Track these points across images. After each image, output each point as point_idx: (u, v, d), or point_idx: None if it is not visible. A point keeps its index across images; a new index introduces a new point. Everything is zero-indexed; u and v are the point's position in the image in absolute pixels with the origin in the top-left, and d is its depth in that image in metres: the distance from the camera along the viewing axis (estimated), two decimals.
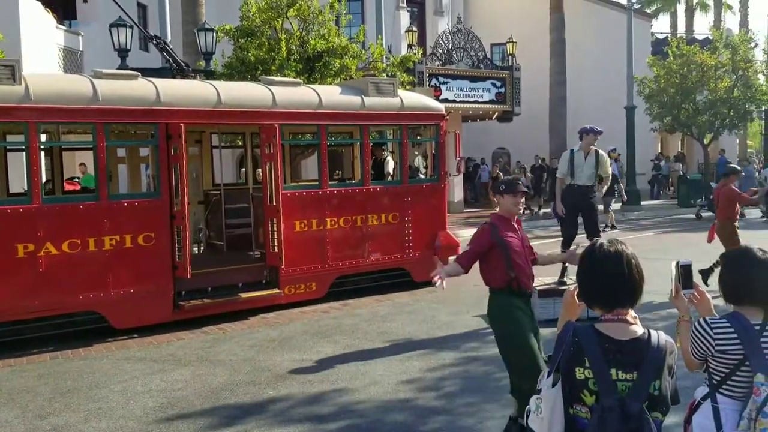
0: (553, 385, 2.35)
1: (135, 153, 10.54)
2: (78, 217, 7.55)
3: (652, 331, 2.39)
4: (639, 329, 2.39)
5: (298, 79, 10.58)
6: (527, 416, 2.44)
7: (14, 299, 7.13)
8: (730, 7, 46.18)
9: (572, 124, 21.08)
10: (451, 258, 10.34)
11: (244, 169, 13.09)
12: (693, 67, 24.15)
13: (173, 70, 10.55)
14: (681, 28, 43.46)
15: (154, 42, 10.90)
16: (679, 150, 31.88)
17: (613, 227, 16.24)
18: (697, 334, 2.70)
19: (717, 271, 2.92)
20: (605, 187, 9.01)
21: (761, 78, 26.33)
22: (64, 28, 19.14)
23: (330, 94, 9.58)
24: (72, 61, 18.75)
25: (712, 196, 18.67)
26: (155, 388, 5.94)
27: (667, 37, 34.10)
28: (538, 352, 4.39)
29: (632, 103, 23.36)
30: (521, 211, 4.68)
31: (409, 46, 18.95)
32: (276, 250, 8.70)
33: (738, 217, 9.40)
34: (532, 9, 26.43)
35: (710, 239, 9.31)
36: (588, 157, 8.70)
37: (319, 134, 9.33)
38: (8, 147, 9.17)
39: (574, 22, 24.76)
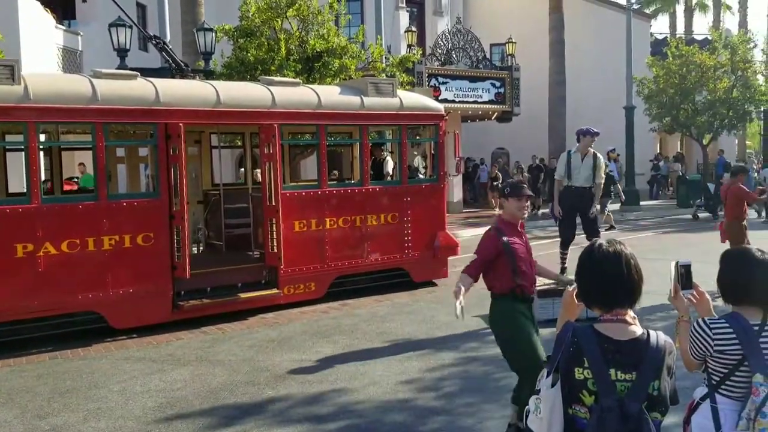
0: (553, 386, 2.35)
1: (134, 153, 10.54)
2: (77, 217, 7.54)
3: (651, 332, 2.39)
4: (638, 329, 2.39)
5: (297, 79, 10.57)
6: (526, 416, 2.44)
7: (13, 299, 7.13)
8: (729, 8, 46.26)
9: (571, 124, 21.08)
10: (449, 256, 10.31)
11: (243, 169, 13.09)
12: (692, 68, 24.17)
13: (172, 70, 10.55)
14: (680, 29, 43.49)
15: (154, 42, 10.90)
16: (678, 150, 31.89)
17: (611, 227, 16.24)
18: (696, 334, 2.71)
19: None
20: (597, 197, 8.89)
21: (760, 78, 26.36)
22: (64, 27, 19.13)
23: (329, 94, 9.58)
24: (71, 61, 18.74)
25: (720, 195, 18.75)
26: (154, 388, 5.94)
27: (666, 37, 34.13)
28: (543, 356, 4.37)
29: (631, 103, 23.37)
30: (526, 216, 4.64)
31: (409, 46, 18.95)
32: (275, 250, 8.70)
33: (746, 216, 9.37)
34: (531, 9, 26.43)
35: (724, 239, 9.13)
36: (585, 159, 8.70)
37: (318, 134, 9.33)
38: (7, 147, 9.16)
39: (574, 23, 24.76)
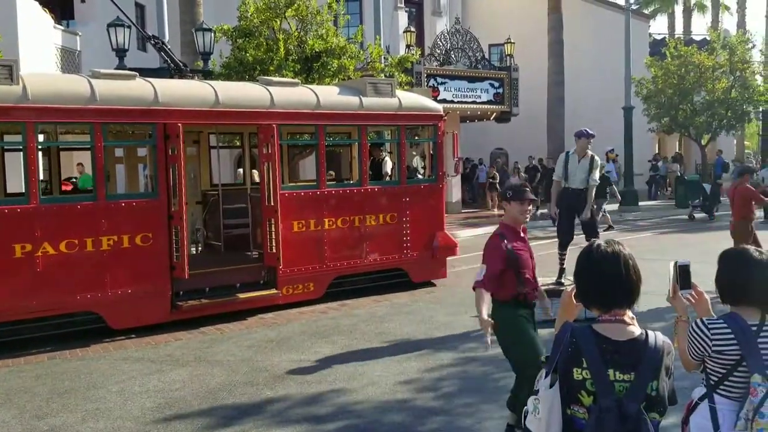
0: (551, 386, 2.35)
1: (133, 153, 10.53)
2: (76, 217, 7.54)
3: (650, 332, 2.39)
4: (636, 330, 2.39)
5: (296, 80, 10.57)
6: (525, 417, 2.44)
7: (12, 299, 7.12)
8: (727, 8, 46.35)
9: (570, 124, 21.11)
10: (448, 256, 10.29)
11: (241, 170, 13.08)
12: (691, 68, 24.21)
13: (171, 70, 10.54)
14: (679, 29, 43.50)
15: (152, 42, 10.89)
16: (677, 151, 31.91)
17: (610, 228, 16.26)
18: (694, 334, 2.71)
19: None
20: (590, 199, 8.82)
21: (759, 79, 26.41)
22: (62, 28, 19.11)
23: (328, 95, 9.58)
24: (70, 61, 18.73)
25: (716, 195, 18.80)
26: (153, 389, 5.94)
27: (664, 37, 34.18)
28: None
29: (630, 103, 23.38)
30: (528, 219, 4.60)
31: (408, 46, 18.96)
32: (274, 251, 8.69)
33: (754, 216, 9.34)
34: (530, 10, 26.45)
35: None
36: (582, 160, 8.71)
37: (317, 134, 9.33)
38: (6, 147, 9.15)
39: (573, 23, 24.78)
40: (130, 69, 9.78)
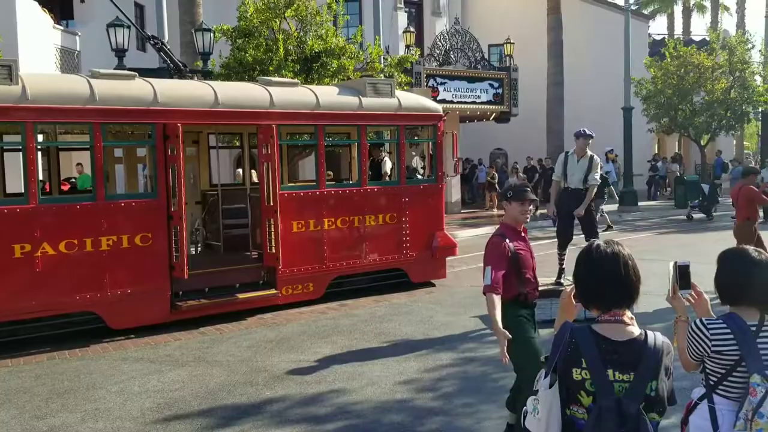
0: (550, 386, 2.35)
1: (132, 153, 10.53)
2: (75, 217, 7.54)
3: (649, 332, 2.39)
4: (636, 330, 2.39)
5: (295, 80, 10.57)
6: (524, 417, 2.44)
7: (11, 300, 7.12)
8: (727, 9, 46.33)
9: (569, 125, 21.11)
10: (448, 256, 10.29)
11: (240, 170, 13.07)
12: (690, 69, 24.21)
13: (171, 70, 10.54)
14: (678, 30, 43.54)
15: (152, 42, 10.89)
16: (676, 151, 31.92)
17: (609, 228, 16.26)
18: (693, 334, 2.71)
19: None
20: (588, 198, 8.80)
21: (758, 79, 26.41)
22: (61, 28, 19.09)
23: (327, 95, 9.58)
24: (69, 61, 18.71)
25: (714, 195, 18.82)
26: (152, 389, 5.94)
27: (664, 38, 34.16)
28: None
29: (629, 104, 23.36)
30: (528, 220, 4.58)
31: (407, 46, 18.96)
32: (273, 251, 8.69)
33: (758, 217, 9.33)
34: (529, 10, 26.44)
35: None
36: (581, 160, 8.70)
37: (316, 135, 9.33)
38: (5, 147, 9.15)
39: (572, 24, 24.78)
40: (130, 69, 9.78)
